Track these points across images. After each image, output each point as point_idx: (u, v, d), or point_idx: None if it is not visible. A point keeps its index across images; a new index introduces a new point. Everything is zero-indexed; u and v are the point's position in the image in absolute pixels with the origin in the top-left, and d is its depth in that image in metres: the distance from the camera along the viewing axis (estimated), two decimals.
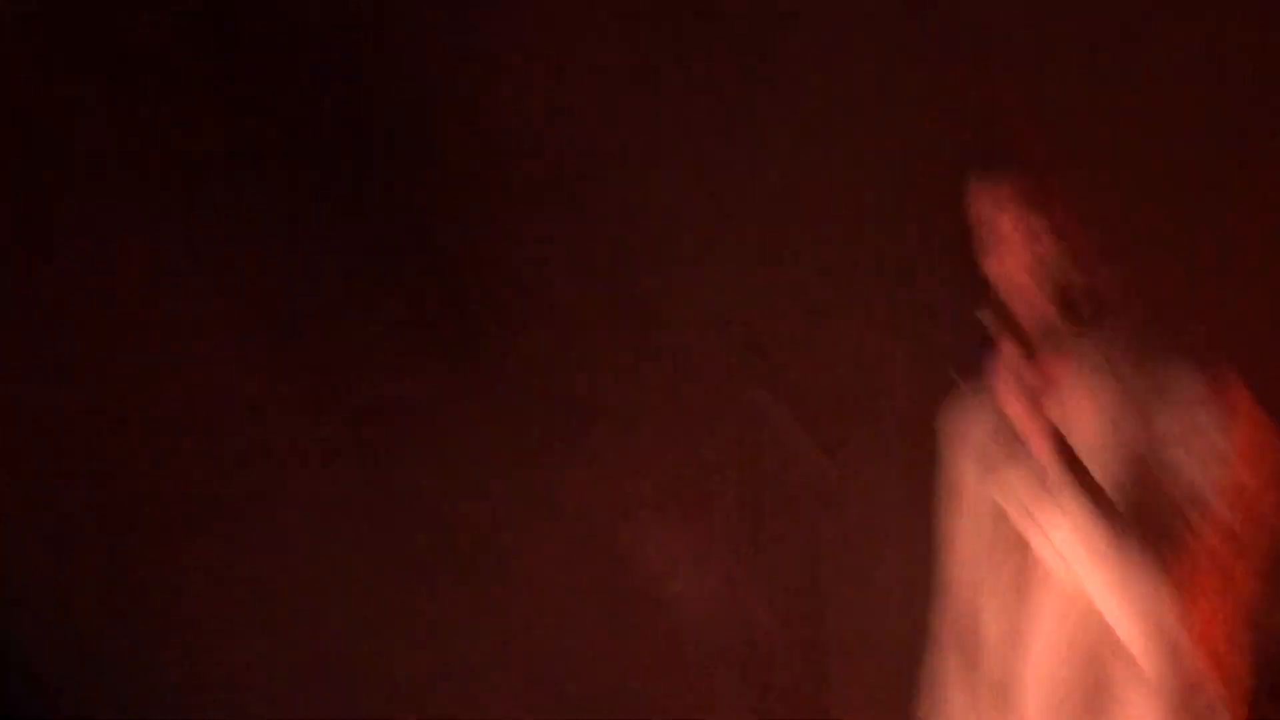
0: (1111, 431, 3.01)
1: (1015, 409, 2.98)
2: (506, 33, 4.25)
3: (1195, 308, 3.51)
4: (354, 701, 4.33)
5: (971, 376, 3.03)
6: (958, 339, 3.03)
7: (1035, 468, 2.95)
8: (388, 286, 4.35)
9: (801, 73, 4.21)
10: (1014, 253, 3.05)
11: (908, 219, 4.09)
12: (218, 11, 4.29)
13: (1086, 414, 3.03)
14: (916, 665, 3.24)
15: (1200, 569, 2.91)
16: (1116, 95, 3.91)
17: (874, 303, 4.24)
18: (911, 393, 3.32)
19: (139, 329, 4.31)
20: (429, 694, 4.32)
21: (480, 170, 4.32)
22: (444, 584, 4.32)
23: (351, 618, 4.35)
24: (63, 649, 4.29)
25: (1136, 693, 2.94)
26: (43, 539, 4.32)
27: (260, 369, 4.33)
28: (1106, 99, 3.91)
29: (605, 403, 4.32)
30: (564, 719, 4.28)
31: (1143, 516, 2.92)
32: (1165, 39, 3.91)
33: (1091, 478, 2.93)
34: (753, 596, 4.33)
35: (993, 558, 3.08)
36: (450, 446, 4.29)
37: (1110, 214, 3.12)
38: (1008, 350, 2.99)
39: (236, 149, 4.31)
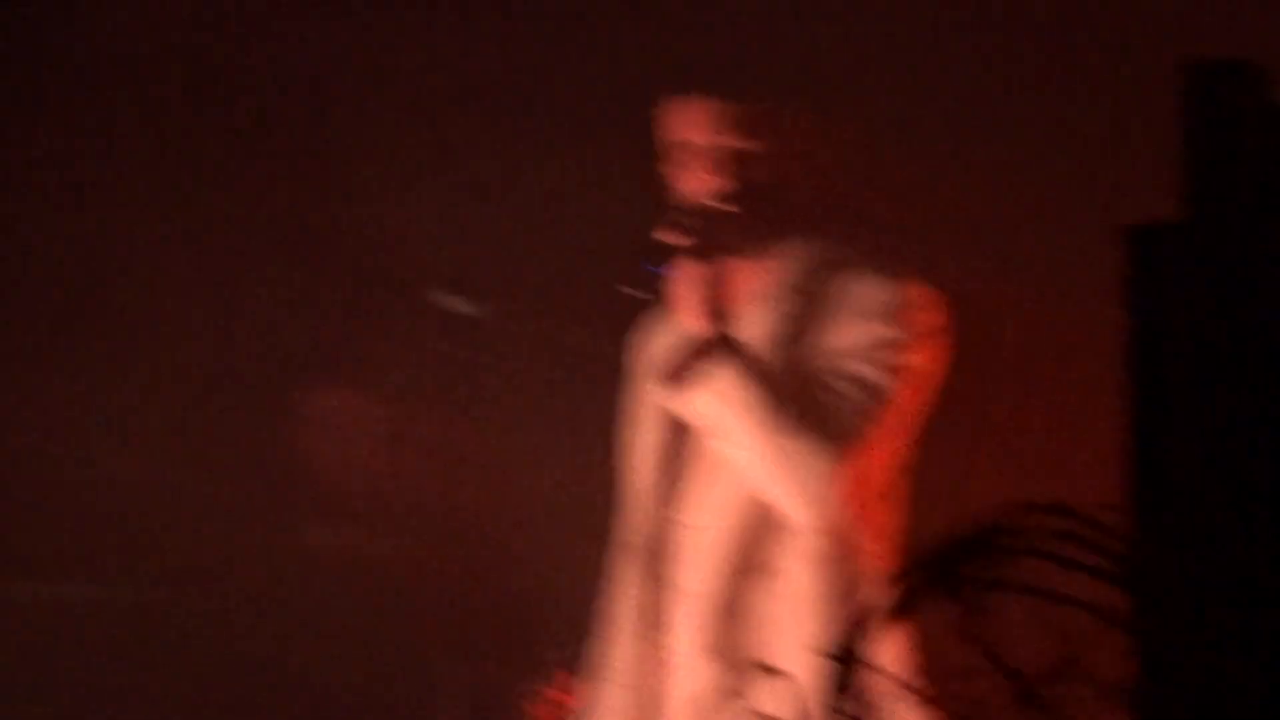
0: (793, 338, 3.10)
1: (694, 322, 3.06)
2: None
3: (894, 233, 3.58)
4: None
5: (652, 292, 3.08)
6: (640, 255, 3.08)
7: (711, 375, 3.03)
8: None
9: None
10: (703, 172, 3.11)
11: (597, 131, 4.11)
12: None
13: (770, 323, 3.12)
14: (596, 569, 3.31)
15: (861, 451, 3.03)
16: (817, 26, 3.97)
17: (556, 215, 4.27)
18: (592, 309, 3.35)
19: None
20: None
21: None
22: None
23: None
24: None
25: (795, 564, 3.06)
26: None
27: None
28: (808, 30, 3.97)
29: None
30: None
31: (812, 406, 3.02)
32: None
33: (763, 373, 3.02)
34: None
35: (670, 462, 3.15)
36: None
37: (809, 137, 3.17)
38: (689, 266, 3.07)
39: None
